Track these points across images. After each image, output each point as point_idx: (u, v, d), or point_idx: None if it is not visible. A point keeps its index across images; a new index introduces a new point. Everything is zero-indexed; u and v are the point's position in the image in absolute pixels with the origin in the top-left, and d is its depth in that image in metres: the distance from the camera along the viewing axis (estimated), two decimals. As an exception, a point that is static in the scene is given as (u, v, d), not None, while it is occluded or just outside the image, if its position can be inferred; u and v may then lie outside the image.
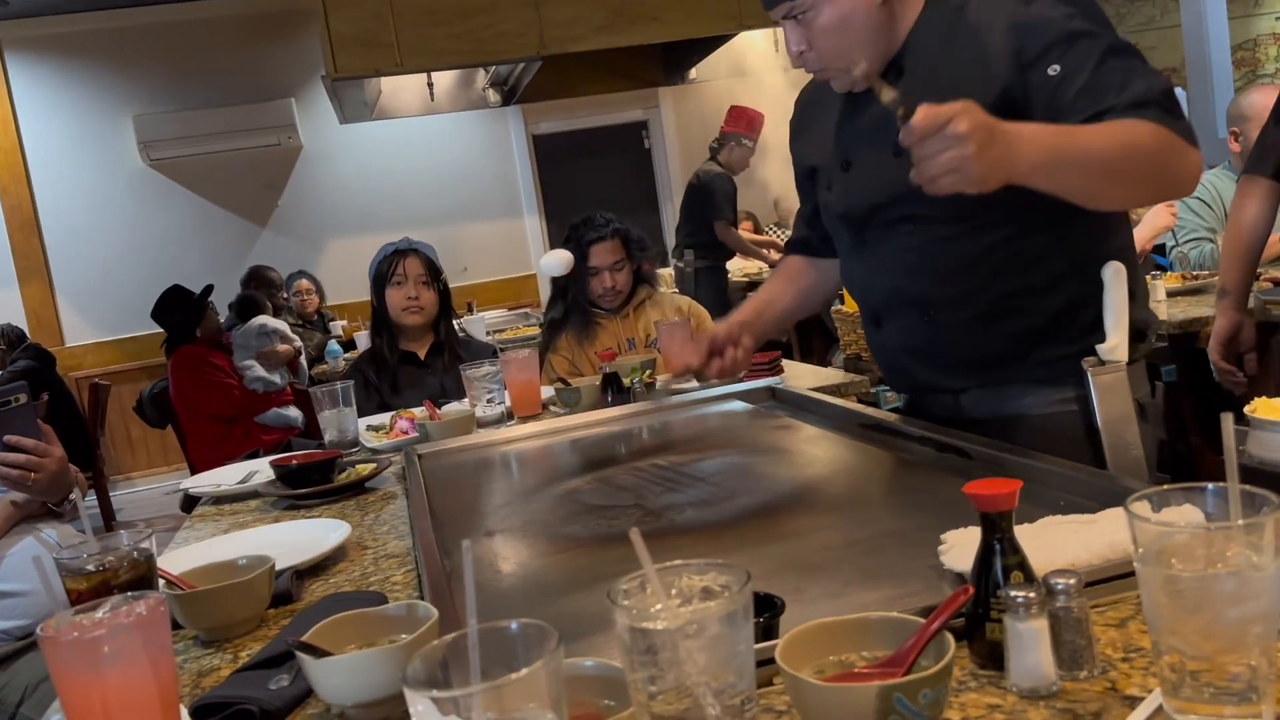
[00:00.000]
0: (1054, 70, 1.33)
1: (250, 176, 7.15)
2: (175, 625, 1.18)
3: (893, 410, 1.76)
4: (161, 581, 1.20)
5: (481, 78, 6.30)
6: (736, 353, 1.71)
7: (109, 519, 5.67)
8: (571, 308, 2.99)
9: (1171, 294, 3.06)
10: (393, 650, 0.91)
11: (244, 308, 5.37)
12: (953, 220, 1.44)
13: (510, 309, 6.50)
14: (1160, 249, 3.68)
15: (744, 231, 6.33)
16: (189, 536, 1.73)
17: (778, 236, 6.85)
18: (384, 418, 2.40)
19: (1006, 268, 1.44)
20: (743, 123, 5.73)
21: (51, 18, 6.73)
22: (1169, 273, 3.36)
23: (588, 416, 2.12)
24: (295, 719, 0.96)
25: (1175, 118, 1.29)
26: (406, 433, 2.19)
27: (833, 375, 2.52)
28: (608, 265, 2.95)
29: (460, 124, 7.30)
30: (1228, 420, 0.72)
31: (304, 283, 6.39)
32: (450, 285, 2.96)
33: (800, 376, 2.46)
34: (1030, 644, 0.76)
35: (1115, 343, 1.39)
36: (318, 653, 0.92)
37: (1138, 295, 1.48)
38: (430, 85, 6.11)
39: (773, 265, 6.22)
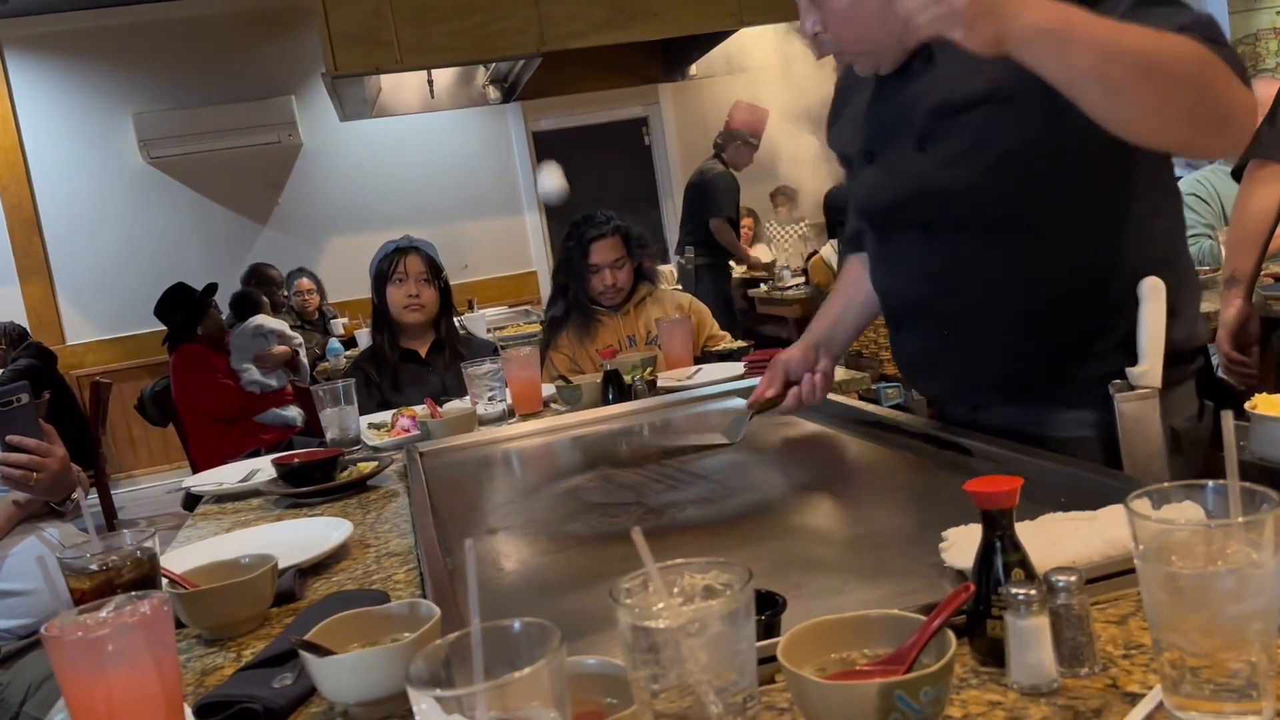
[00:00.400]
0: None
1: (250, 174, 7.15)
2: (178, 624, 1.19)
3: (894, 407, 1.76)
4: (164, 580, 1.20)
5: (481, 75, 6.30)
6: (815, 379, 1.63)
7: (110, 517, 5.68)
8: (572, 305, 2.99)
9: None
10: (396, 649, 0.91)
11: (241, 306, 5.37)
12: (976, 227, 1.35)
13: (511, 306, 6.50)
14: None
15: (743, 228, 6.34)
16: (191, 535, 1.73)
17: (777, 230, 6.85)
18: (385, 416, 2.40)
19: (1033, 282, 1.33)
20: (746, 120, 5.73)
21: (51, 16, 6.73)
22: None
23: (589, 414, 2.12)
24: (298, 718, 0.96)
25: (1222, 46, 1.11)
26: (408, 431, 2.20)
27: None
28: (608, 262, 2.95)
29: (460, 121, 7.29)
30: (1228, 417, 0.72)
31: (305, 281, 6.38)
32: (451, 282, 2.96)
33: (801, 373, 2.46)
34: (1031, 641, 0.76)
35: (1147, 367, 1.26)
36: (321, 651, 0.92)
37: (1182, 310, 1.33)
38: (430, 82, 6.10)
39: (750, 267, 6.23)
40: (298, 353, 5.34)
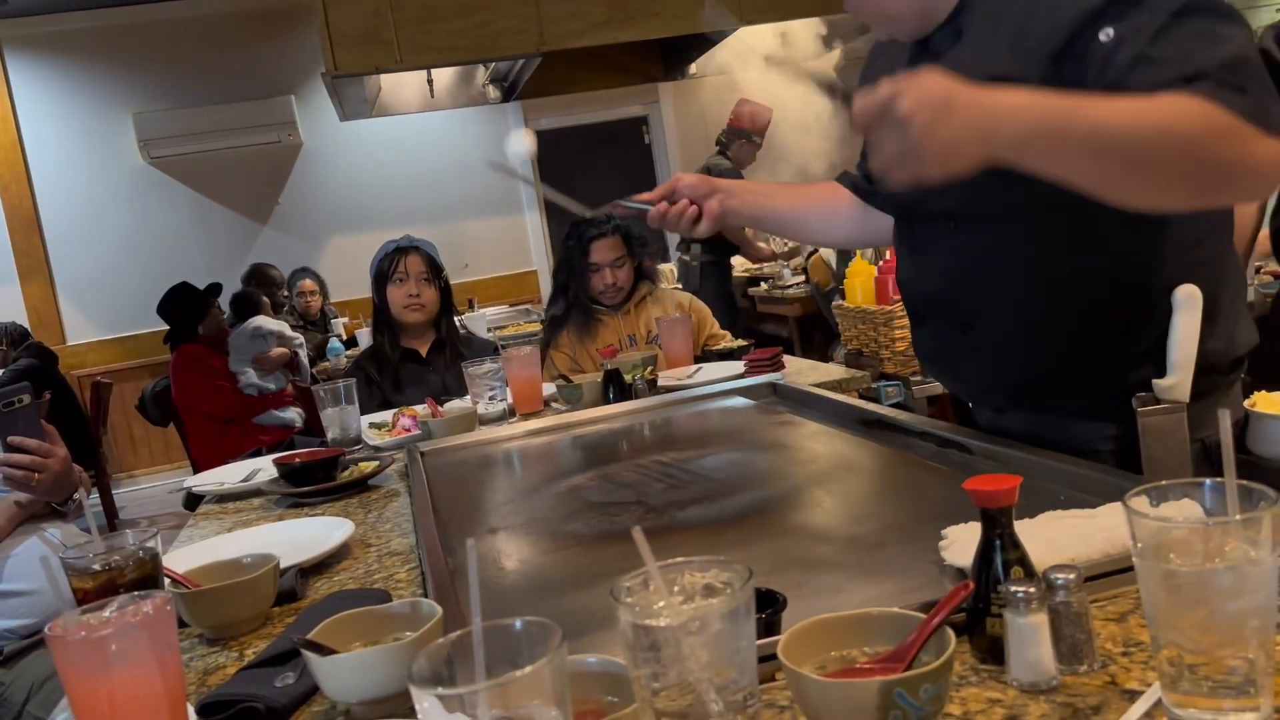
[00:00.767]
0: (1106, 35, 1.10)
1: (250, 174, 7.16)
2: (180, 624, 1.19)
3: (894, 406, 1.76)
4: (167, 580, 1.21)
5: (481, 74, 6.30)
6: (690, 209, 1.56)
7: (111, 517, 5.69)
8: (573, 304, 3.00)
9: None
10: (398, 648, 0.92)
11: (240, 307, 5.37)
12: (1000, 220, 1.27)
13: (511, 305, 6.50)
14: None
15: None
16: (193, 535, 1.74)
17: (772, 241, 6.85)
18: (386, 415, 2.40)
19: (1061, 284, 1.25)
20: (749, 118, 5.72)
21: (51, 16, 6.73)
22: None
23: (589, 413, 2.13)
24: (300, 717, 0.96)
25: (1239, 91, 1.02)
26: (409, 430, 2.20)
27: (834, 371, 2.53)
28: (609, 262, 2.96)
29: (460, 120, 7.30)
30: (1225, 416, 0.72)
31: (308, 282, 6.36)
32: (451, 282, 2.96)
33: (801, 372, 2.46)
34: (1030, 639, 0.76)
35: (1175, 380, 1.17)
36: (323, 650, 0.93)
37: (1221, 316, 1.25)
38: (430, 82, 6.11)
39: (765, 260, 6.23)
40: (297, 353, 5.34)
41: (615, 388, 2.23)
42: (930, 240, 1.39)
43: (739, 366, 2.41)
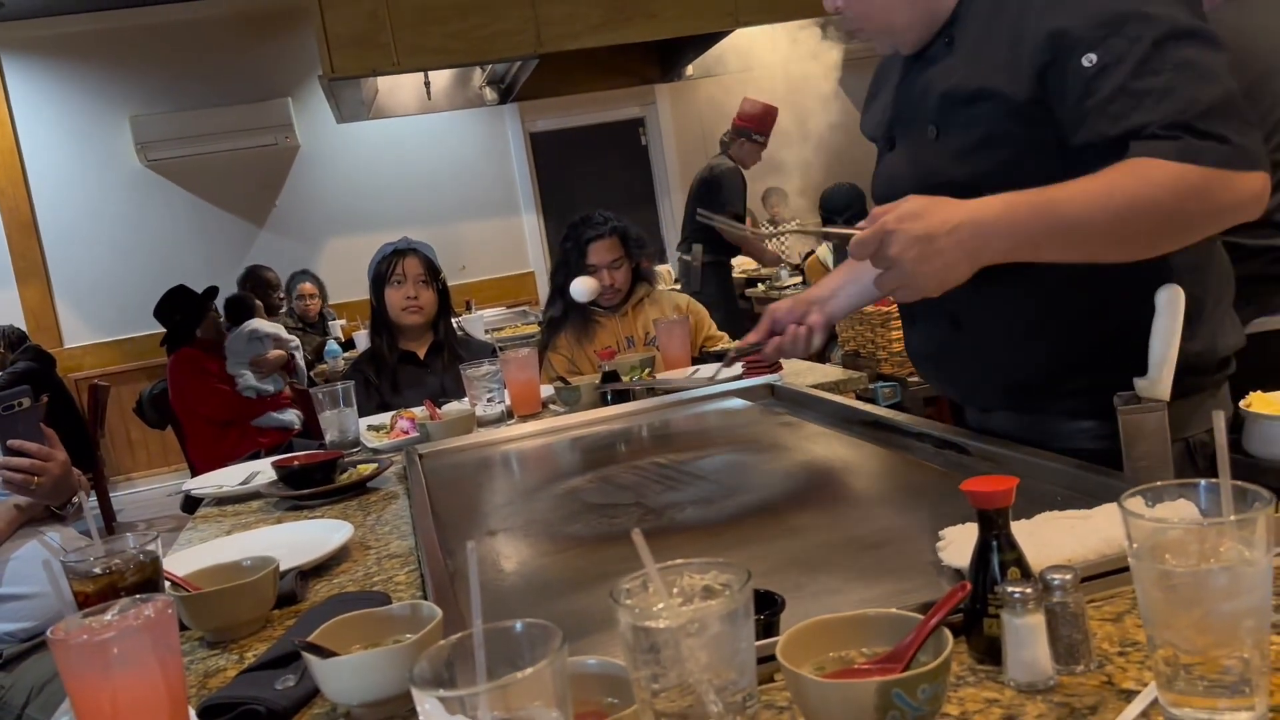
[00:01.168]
0: (1089, 61, 1.13)
1: (248, 176, 7.16)
2: (181, 627, 1.19)
3: (891, 406, 1.76)
4: (167, 583, 1.21)
5: (478, 76, 6.30)
6: (799, 330, 1.62)
7: (109, 520, 5.68)
8: (570, 306, 3.00)
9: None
10: (398, 650, 0.92)
11: (235, 310, 5.36)
12: None
13: (509, 307, 6.51)
14: None
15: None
16: (192, 538, 1.74)
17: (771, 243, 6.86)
18: (384, 418, 2.40)
19: (1048, 286, 1.28)
20: (755, 117, 5.71)
21: (48, 19, 6.73)
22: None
23: (588, 415, 2.13)
24: (301, 719, 0.97)
25: (1219, 140, 1.08)
26: (407, 432, 2.20)
27: (831, 372, 2.53)
28: (606, 263, 2.96)
29: (457, 122, 7.30)
30: (1219, 417, 0.73)
31: (307, 285, 6.36)
32: (449, 284, 2.97)
33: (799, 373, 2.47)
34: (1027, 639, 0.77)
35: (1155, 379, 1.19)
36: (324, 653, 0.93)
37: (1205, 318, 1.28)
38: (427, 84, 6.11)
39: (766, 262, 6.24)
40: (294, 355, 5.34)
41: (613, 389, 2.24)
42: None
43: (737, 368, 2.41)
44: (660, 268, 5.95)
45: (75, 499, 1.86)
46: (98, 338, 7.01)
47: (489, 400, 2.31)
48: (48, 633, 0.83)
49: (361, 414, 2.40)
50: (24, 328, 6.28)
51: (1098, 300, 1.28)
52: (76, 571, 1.11)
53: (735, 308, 5.67)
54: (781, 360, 2.39)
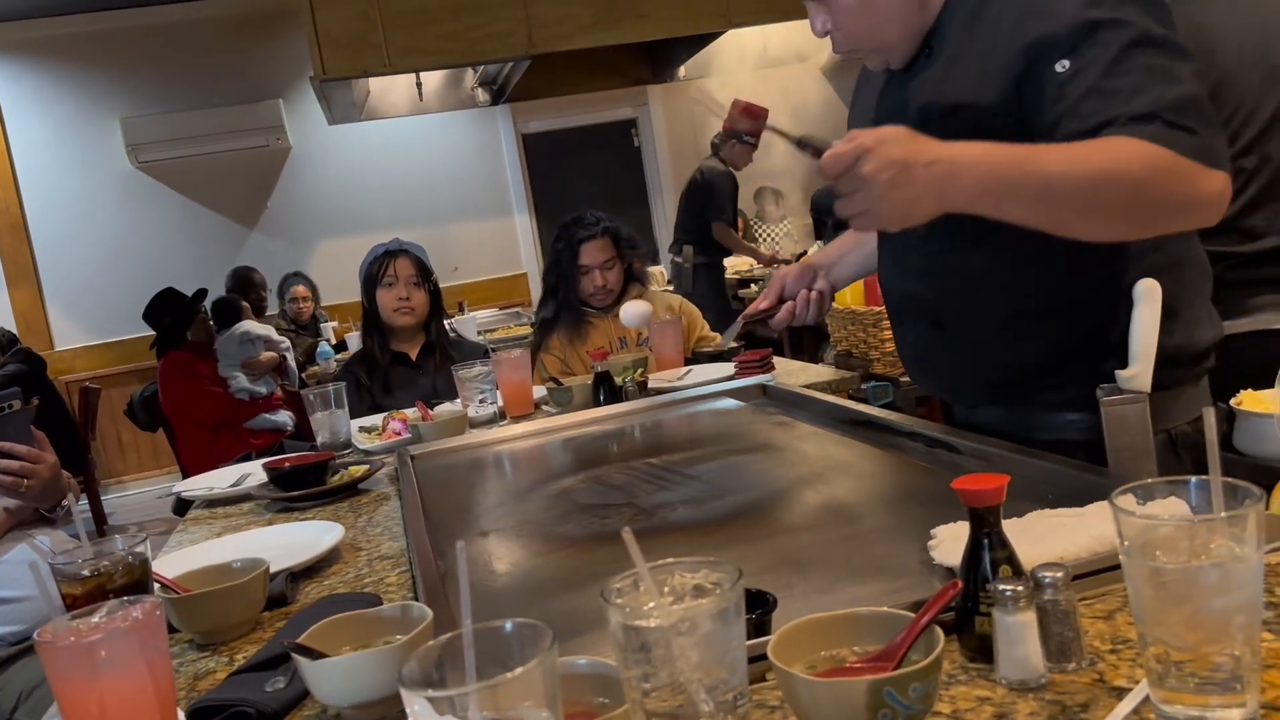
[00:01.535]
0: (1062, 67, 1.16)
1: (239, 178, 7.14)
2: (170, 629, 1.19)
3: (883, 406, 1.77)
4: (156, 585, 1.20)
5: (470, 77, 6.30)
6: (810, 295, 1.63)
7: (100, 523, 5.65)
8: (563, 307, 3.00)
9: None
10: (388, 651, 0.92)
11: (222, 313, 5.34)
12: (972, 229, 1.27)
13: (501, 308, 6.50)
14: None
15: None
16: (182, 540, 1.73)
17: (767, 230, 6.86)
18: (376, 419, 2.40)
19: (1027, 285, 1.31)
20: (744, 118, 5.72)
21: (37, 20, 6.71)
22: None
23: (580, 416, 2.13)
24: (292, 720, 0.96)
25: (1188, 132, 1.10)
26: (399, 434, 2.20)
27: (823, 372, 2.54)
28: (598, 264, 2.96)
29: (449, 123, 7.29)
30: (1209, 414, 0.73)
31: (300, 288, 6.33)
32: (441, 285, 2.96)
33: (791, 373, 2.47)
34: (1019, 637, 0.77)
35: (1137, 371, 1.22)
36: (313, 654, 0.93)
37: (1182, 313, 1.31)
38: (419, 85, 6.11)
39: (766, 263, 6.24)
40: (285, 357, 5.33)
41: (606, 390, 2.24)
42: (906, 245, 1.43)
43: (730, 368, 2.41)
44: (653, 269, 5.95)
45: (65, 502, 1.85)
46: (88, 340, 6.98)
47: (481, 401, 2.31)
48: (34, 635, 0.82)
49: (353, 415, 2.40)
50: (14, 330, 6.25)
51: (1076, 298, 1.31)
52: (64, 574, 1.11)
53: (727, 309, 5.68)
54: (774, 360, 2.40)
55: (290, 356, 5.40)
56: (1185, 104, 1.12)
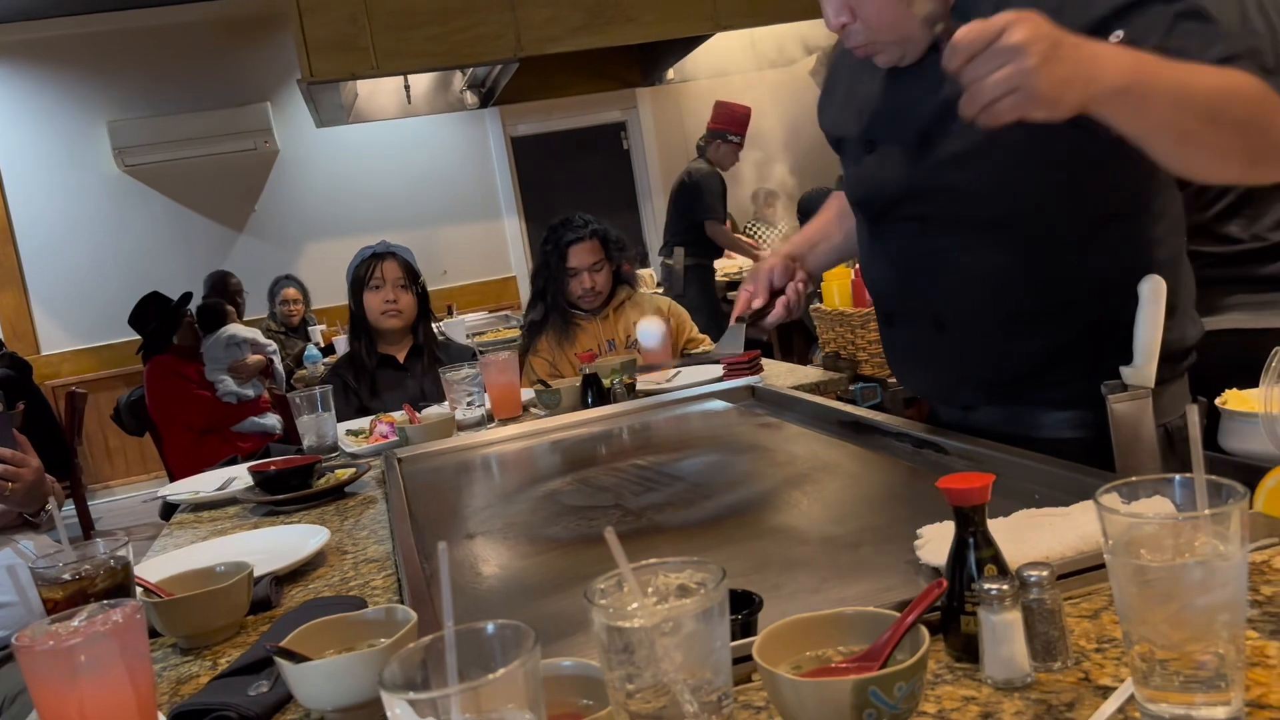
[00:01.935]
0: (1116, 38, 1.13)
1: (226, 181, 7.11)
2: (154, 633, 1.18)
3: (870, 407, 1.77)
4: (139, 589, 1.19)
5: (459, 80, 6.29)
6: (798, 285, 1.62)
7: (87, 527, 5.62)
8: (551, 309, 2.99)
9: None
10: (371, 654, 0.91)
11: (207, 318, 5.31)
12: (972, 226, 1.31)
13: (490, 311, 6.49)
14: None
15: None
16: (167, 544, 1.72)
17: (757, 239, 6.86)
18: (363, 422, 2.39)
19: (1028, 283, 1.30)
20: (728, 119, 5.72)
21: (24, 24, 6.67)
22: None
23: (568, 418, 2.12)
24: (275, 725, 0.95)
25: (1273, 74, 1.08)
26: (386, 437, 2.19)
27: (811, 373, 2.54)
28: (587, 266, 2.96)
29: (438, 126, 7.28)
30: (1193, 411, 0.73)
31: (291, 291, 6.31)
32: (429, 288, 2.96)
33: (780, 375, 2.47)
34: (1004, 636, 0.77)
35: (1141, 367, 1.22)
36: (296, 658, 0.92)
37: (1176, 309, 1.31)
38: (407, 88, 6.10)
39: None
40: (272, 360, 5.31)
41: (594, 392, 2.23)
42: (902, 241, 1.42)
43: (718, 370, 2.41)
44: (642, 271, 5.95)
45: (49, 507, 1.84)
46: (75, 344, 6.94)
47: (469, 404, 2.30)
48: (12, 639, 0.81)
49: (340, 418, 2.39)
50: (0, 335, 6.22)
51: (1077, 296, 1.30)
52: (45, 578, 1.10)
53: (717, 311, 5.68)
54: (762, 362, 2.40)
55: (277, 360, 5.38)
56: (1256, 53, 1.09)
